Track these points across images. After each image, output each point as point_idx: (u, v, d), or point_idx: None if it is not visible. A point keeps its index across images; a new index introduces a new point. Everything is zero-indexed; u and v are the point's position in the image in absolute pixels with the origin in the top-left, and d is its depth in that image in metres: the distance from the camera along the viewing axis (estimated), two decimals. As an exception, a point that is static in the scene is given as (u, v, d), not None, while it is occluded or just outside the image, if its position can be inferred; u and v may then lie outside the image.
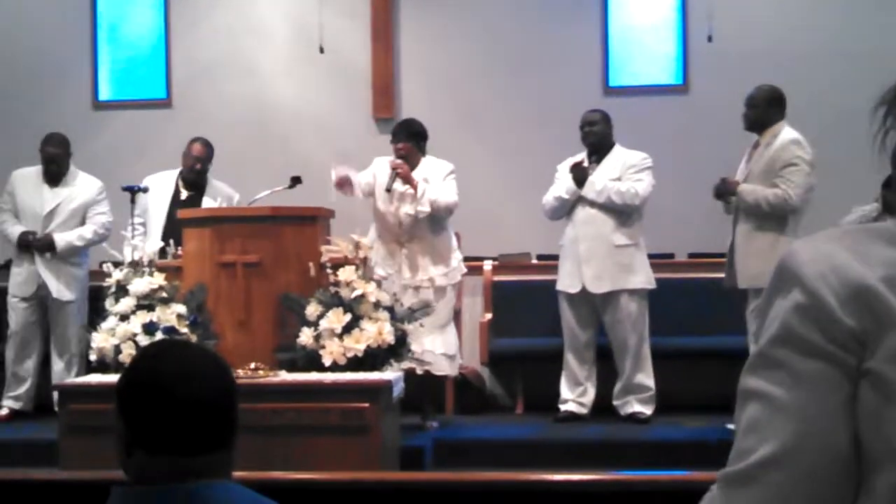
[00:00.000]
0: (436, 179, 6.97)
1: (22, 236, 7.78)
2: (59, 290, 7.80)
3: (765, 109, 6.83)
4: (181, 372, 2.04)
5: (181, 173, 7.80)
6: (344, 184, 6.87)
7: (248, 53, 9.80)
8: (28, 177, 7.97)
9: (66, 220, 7.85)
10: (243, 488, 2.05)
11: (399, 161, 6.93)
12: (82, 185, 7.97)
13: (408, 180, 6.88)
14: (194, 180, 7.76)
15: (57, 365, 7.83)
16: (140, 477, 2.03)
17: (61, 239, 7.78)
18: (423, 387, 7.03)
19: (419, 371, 6.66)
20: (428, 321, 6.58)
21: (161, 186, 7.71)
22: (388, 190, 6.87)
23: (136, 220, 7.55)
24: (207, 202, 7.63)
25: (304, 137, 9.56)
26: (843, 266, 1.34)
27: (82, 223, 7.90)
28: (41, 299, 7.87)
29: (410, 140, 7.04)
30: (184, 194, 7.69)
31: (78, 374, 7.41)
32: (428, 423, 7.07)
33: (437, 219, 7.00)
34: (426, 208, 6.88)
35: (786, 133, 6.78)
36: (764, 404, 1.35)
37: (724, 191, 6.90)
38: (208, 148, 7.87)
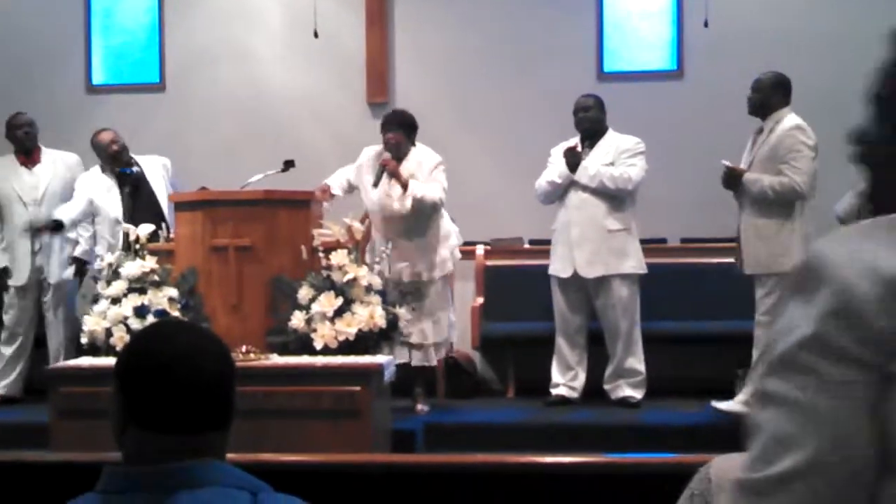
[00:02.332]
0: (423, 174, 6.94)
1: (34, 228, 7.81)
2: (55, 272, 7.81)
3: (768, 94, 6.79)
4: (180, 351, 2.04)
5: (102, 169, 7.71)
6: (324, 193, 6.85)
7: (242, 38, 9.78)
8: (3, 164, 7.95)
9: (56, 204, 7.81)
10: (235, 469, 2.05)
11: (387, 157, 6.91)
12: (61, 162, 7.93)
13: (397, 177, 6.87)
14: (119, 165, 7.67)
15: (52, 348, 7.83)
16: (133, 453, 2.04)
17: (84, 254, 7.83)
18: (414, 371, 7.06)
19: (412, 361, 6.80)
20: (413, 316, 6.67)
21: (98, 184, 7.65)
22: (376, 185, 6.86)
23: (81, 226, 7.63)
24: (152, 176, 7.69)
25: (298, 122, 9.55)
26: (875, 262, 1.30)
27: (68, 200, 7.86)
28: (38, 283, 7.86)
29: (401, 130, 7.00)
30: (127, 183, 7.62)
31: (69, 357, 7.42)
32: (419, 406, 7.09)
33: (424, 213, 6.98)
34: (409, 204, 6.86)
35: (789, 119, 6.72)
36: (790, 410, 1.31)
37: (731, 180, 6.83)
38: (116, 133, 7.80)
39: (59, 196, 7.80)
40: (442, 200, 6.97)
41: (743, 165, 6.84)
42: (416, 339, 6.85)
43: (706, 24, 8.82)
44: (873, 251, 1.31)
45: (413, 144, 7.07)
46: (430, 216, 7.01)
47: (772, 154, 6.68)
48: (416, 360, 6.97)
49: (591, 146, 7.25)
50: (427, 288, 6.98)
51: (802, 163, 6.62)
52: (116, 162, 7.64)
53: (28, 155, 7.87)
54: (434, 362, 7.18)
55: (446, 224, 7.18)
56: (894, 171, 1.45)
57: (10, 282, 7.83)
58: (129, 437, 2.04)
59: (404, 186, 6.85)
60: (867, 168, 1.50)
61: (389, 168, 6.86)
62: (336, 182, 7.02)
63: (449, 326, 7.21)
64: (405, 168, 6.92)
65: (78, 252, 7.81)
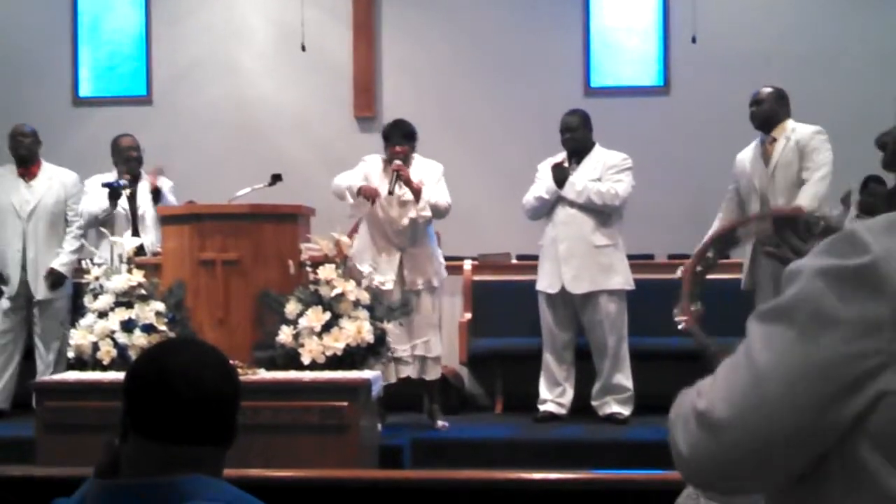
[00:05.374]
0: (430, 181, 6.94)
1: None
2: (41, 289, 7.77)
3: (774, 107, 6.81)
4: (183, 362, 2.08)
5: (120, 172, 7.68)
6: (371, 195, 6.79)
7: (229, 51, 9.79)
8: (2, 175, 7.93)
9: (47, 219, 7.80)
10: (228, 485, 2.06)
11: (400, 163, 6.84)
12: (58, 179, 7.92)
13: (409, 183, 6.84)
14: (135, 173, 7.68)
15: (41, 362, 7.79)
16: (130, 462, 2.04)
17: (62, 266, 7.77)
18: (423, 386, 7.08)
19: (413, 376, 6.89)
20: (424, 322, 6.78)
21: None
22: (391, 193, 6.81)
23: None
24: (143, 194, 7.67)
25: (285, 135, 9.55)
26: None
27: (61, 219, 7.85)
28: (27, 298, 7.83)
29: (406, 141, 6.97)
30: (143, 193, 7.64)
31: (58, 371, 7.38)
32: (439, 423, 7.06)
33: (437, 219, 6.99)
34: (428, 213, 6.86)
35: (806, 126, 6.78)
36: None
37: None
38: (135, 139, 7.84)
39: (49, 212, 7.79)
40: (450, 206, 6.98)
41: (755, 179, 6.79)
42: (420, 351, 6.88)
43: (694, 40, 8.85)
44: None
45: (413, 155, 7.07)
46: (429, 225, 7.01)
47: (798, 156, 6.67)
48: (415, 373, 6.94)
49: (578, 162, 7.24)
50: (435, 295, 7.01)
51: (820, 157, 6.66)
52: (129, 168, 7.65)
53: (26, 167, 7.84)
54: (436, 376, 7.14)
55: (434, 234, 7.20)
56: None
57: (5, 288, 7.80)
58: (129, 444, 2.06)
59: (417, 193, 6.84)
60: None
61: (404, 175, 6.80)
62: (351, 181, 6.91)
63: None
64: (413, 177, 6.89)
65: (55, 264, 7.77)
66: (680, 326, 2.54)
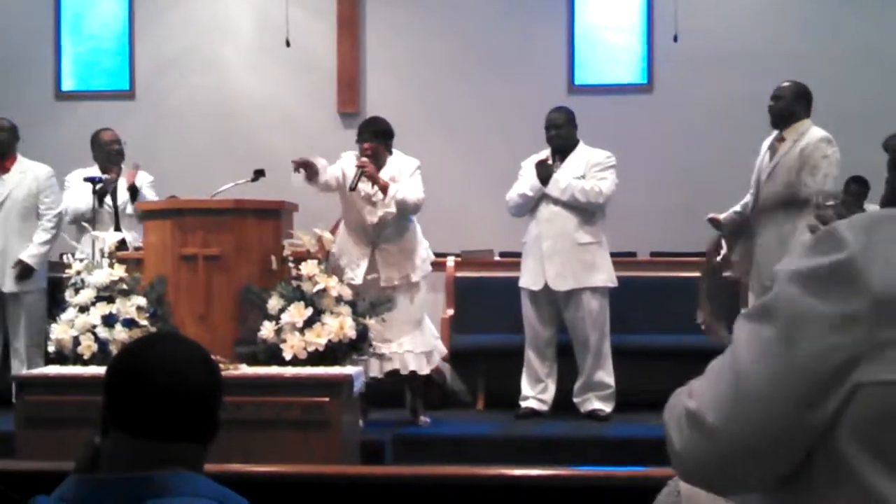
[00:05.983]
0: (402, 177, 6.90)
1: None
2: (10, 283, 7.72)
3: (791, 103, 6.70)
4: (165, 358, 2.08)
5: (101, 167, 7.66)
6: (305, 165, 6.63)
7: (212, 46, 9.77)
8: None
9: (18, 211, 7.76)
10: (209, 480, 2.05)
11: (364, 160, 6.78)
12: (31, 173, 7.87)
13: (374, 180, 6.80)
14: (114, 164, 7.66)
15: (16, 357, 7.76)
16: (110, 457, 2.04)
17: (30, 257, 7.70)
18: (407, 384, 7.06)
19: (400, 369, 6.83)
20: (403, 318, 6.69)
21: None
22: (353, 189, 6.78)
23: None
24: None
25: (269, 131, 9.53)
26: None
27: (33, 212, 7.81)
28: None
29: (376, 139, 6.87)
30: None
31: (35, 365, 7.35)
32: (422, 419, 7.05)
33: (406, 214, 6.94)
34: (393, 209, 6.80)
35: (817, 130, 6.66)
36: None
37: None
38: (115, 133, 7.82)
39: (20, 205, 7.73)
40: (422, 201, 6.90)
41: (759, 174, 6.77)
42: (408, 346, 6.85)
43: (675, 39, 8.87)
44: None
45: (390, 152, 6.99)
46: (408, 220, 6.97)
47: (799, 164, 6.60)
48: (399, 367, 6.91)
49: (563, 159, 7.24)
50: (413, 291, 6.96)
51: (821, 174, 6.57)
52: (111, 162, 7.62)
53: (1, 161, 7.81)
54: (425, 371, 7.05)
55: (418, 227, 7.15)
56: None
57: None
58: (109, 439, 2.06)
59: (384, 189, 6.80)
60: None
61: (367, 171, 6.76)
62: (331, 172, 6.85)
63: (432, 335, 7.16)
64: (384, 175, 6.83)
65: (24, 255, 7.70)
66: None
